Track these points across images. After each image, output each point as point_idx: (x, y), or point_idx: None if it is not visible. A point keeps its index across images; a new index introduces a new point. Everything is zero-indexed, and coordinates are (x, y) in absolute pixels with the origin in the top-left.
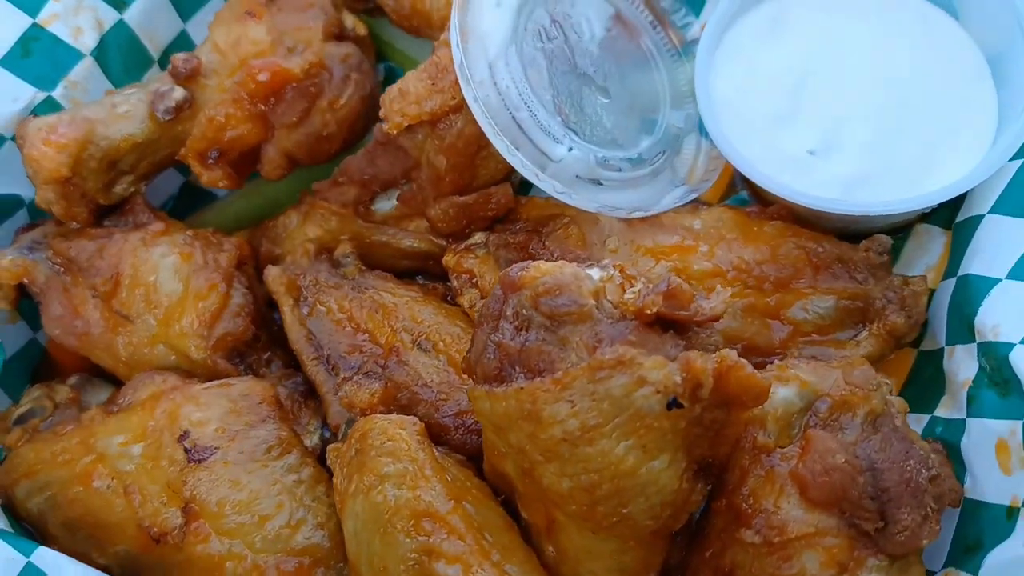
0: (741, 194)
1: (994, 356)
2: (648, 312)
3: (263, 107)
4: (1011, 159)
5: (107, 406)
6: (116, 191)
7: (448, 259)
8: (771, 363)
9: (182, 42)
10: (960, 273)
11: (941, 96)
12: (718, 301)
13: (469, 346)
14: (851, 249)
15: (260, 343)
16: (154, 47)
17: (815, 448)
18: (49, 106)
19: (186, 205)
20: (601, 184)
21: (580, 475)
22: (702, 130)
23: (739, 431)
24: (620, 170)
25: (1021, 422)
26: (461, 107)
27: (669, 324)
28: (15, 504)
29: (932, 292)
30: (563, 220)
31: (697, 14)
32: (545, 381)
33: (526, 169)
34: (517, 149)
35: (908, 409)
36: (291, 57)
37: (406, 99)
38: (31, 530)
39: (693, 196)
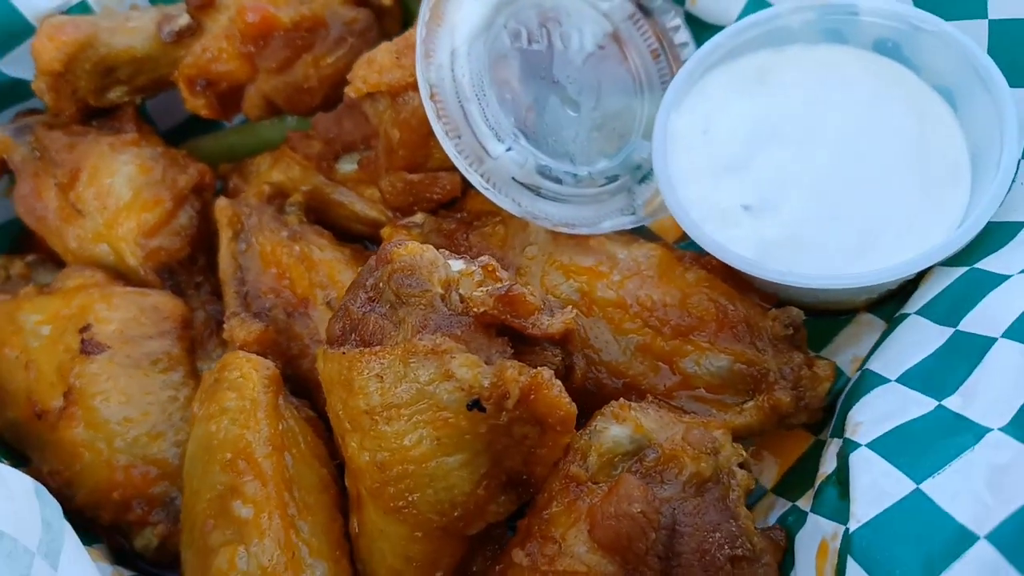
0: None
1: (844, 454)
2: (476, 310)
3: (252, 48)
4: (956, 265)
5: (42, 287)
6: (109, 96)
7: (385, 231)
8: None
9: None
10: (865, 367)
11: (903, 182)
12: (559, 320)
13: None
14: (761, 315)
15: (196, 266)
16: None
17: (619, 491)
18: (82, 9)
19: (195, 130)
20: (539, 193)
21: (376, 451)
22: None
23: (556, 455)
24: (560, 182)
25: (844, 527)
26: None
27: (508, 331)
28: None
29: (850, 382)
30: (494, 219)
31: None
32: (364, 352)
33: (458, 159)
34: (459, 138)
35: (752, 486)
36: (290, 7)
37: (371, 67)
38: None
39: (631, 225)
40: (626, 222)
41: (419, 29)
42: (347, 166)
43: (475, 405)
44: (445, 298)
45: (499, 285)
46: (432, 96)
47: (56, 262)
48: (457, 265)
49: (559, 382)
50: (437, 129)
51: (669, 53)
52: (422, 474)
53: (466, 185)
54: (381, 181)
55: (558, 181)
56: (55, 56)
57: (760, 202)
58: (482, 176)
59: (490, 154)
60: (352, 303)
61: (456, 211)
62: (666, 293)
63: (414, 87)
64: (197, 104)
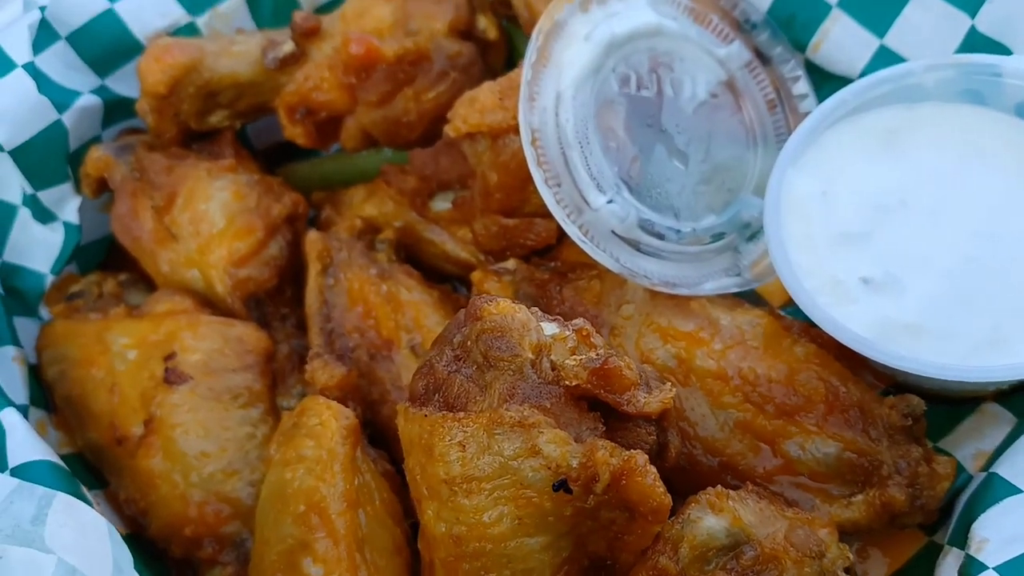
0: None
1: (968, 574)
2: (570, 383)
3: (353, 80)
4: None
5: (133, 308)
6: (210, 120)
7: (476, 275)
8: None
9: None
10: (992, 469)
11: None
12: (657, 399)
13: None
14: (877, 401)
15: (283, 297)
16: (308, 2)
17: None
18: (190, 30)
19: (291, 154)
20: (639, 248)
21: (453, 524)
22: None
23: (644, 543)
24: (663, 238)
25: None
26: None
27: (600, 405)
28: (42, 365)
29: (973, 482)
30: (590, 272)
31: None
32: (447, 417)
33: (556, 208)
34: (558, 186)
35: None
36: (395, 40)
37: (473, 107)
38: (48, 393)
39: (736, 288)
40: (731, 284)
41: (524, 70)
42: (441, 204)
43: (561, 486)
44: (536, 364)
45: (594, 355)
46: (533, 141)
47: (147, 283)
48: (550, 329)
49: (653, 469)
50: (536, 176)
51: (787, 105)
52: (500, 554)
53: (562, 233)
54: (475, 223)
55: (660, 237)
56: (161, 79)
57: (882, 277)
58: (580, 228)
59: (590, 205)
60: (438, 360)
61: (550, 260)
62: (771, 367)
63: (516, 130)
64: (295, 132)
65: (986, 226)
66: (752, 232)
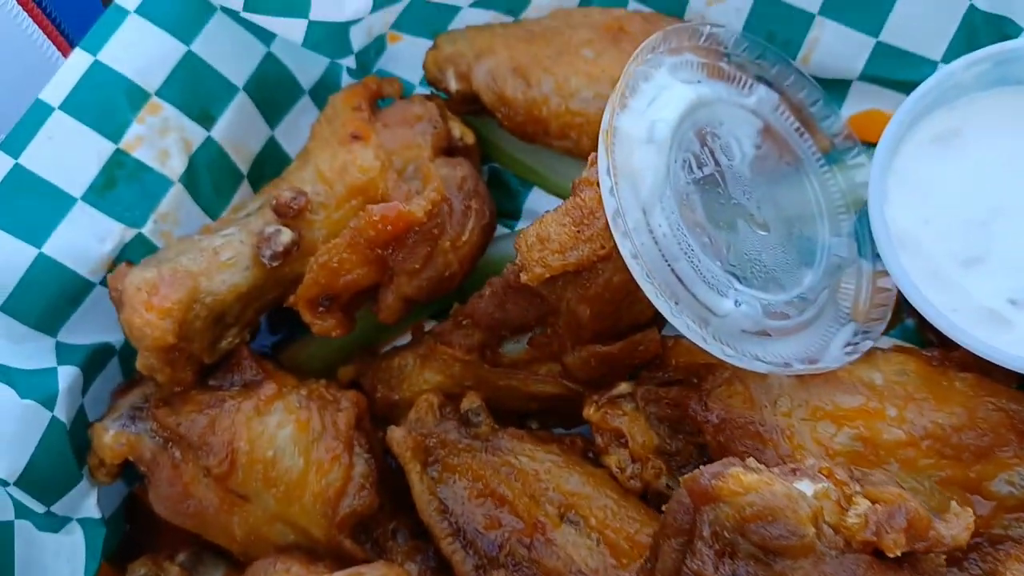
0: (907, 322)
1: None
2: (891, 554)
3: (380, 251)
4: None
5: None
6: (221, 347)
7: (591, 414)
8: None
9: (272, 151)
10: None
11: None
12: (960, 527)
13: (647, 556)
14: None
15: (384, 512)
16: (243, 161)
17: None
18: (140, 244)
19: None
20: (769, 335)
21: None
22: (862, 255)
23: None
24: (788, 317)
25: None
26: (611, 255)
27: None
28: None
29: None
30: (723, 374)
31: (839, 105)
32: None
33: (692, 332)
34: (676, 303)
35: None
36: (402, 184)
37: (547, 247)
38: None
39: (868, 343)
40: (849, 334)
41: (607, 199)
42: (513, 347)
43: None
44: (820, 535)
45: (877, 505)
46: (636, 258)
47: (212, 549)
48: (806, 487)
49: None
50: (664, 307)
51: (812, 126)
52: None
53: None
54: (567, 358)
55: (785, 316)
56: (164, 328)
57: None
58: (712, 337)
59: (716, 312)
60: (701, 566)
61: (658, 370)
62: (950, 414)
63: (603, 259)
64: (327, 326)
65: None
66: (841, 273)
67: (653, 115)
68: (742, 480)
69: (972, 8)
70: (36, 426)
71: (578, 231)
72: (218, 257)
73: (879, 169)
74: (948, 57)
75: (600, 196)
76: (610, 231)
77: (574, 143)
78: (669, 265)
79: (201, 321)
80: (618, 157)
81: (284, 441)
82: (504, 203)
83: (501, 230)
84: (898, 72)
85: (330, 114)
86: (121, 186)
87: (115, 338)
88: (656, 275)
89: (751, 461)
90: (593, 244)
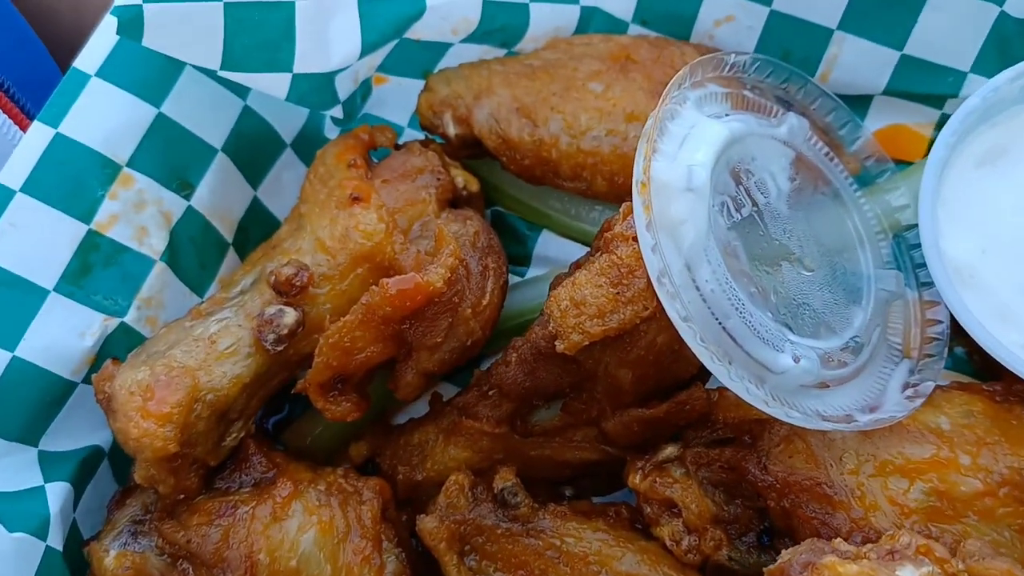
0: (956, 351)
1: None
2: None
3: (397, 326)
4: None
5: None
6: (226, 444)
7: (637, 482)
8: None
9: (256, 212)
10: None
11: None
12: None
13: None
14: None
15: None
16: (227, 228)
17: None
18: (123, 334)
19: None
20: (827, 386)
21: None
22: (907, 284)
23: None
24: (845, 364)
25: None
26: (654, 316)
27: None
28: None
29: None
30: (780, 431)
31: (862, 117)
32: None
33: (752, 396)
34: (729, 363)
35: None
36: (410, 245)
37: (584, 311)
38: None
39: (930, 385)
40: (920, 383)
41: (649, 258)
42: (545, 413)
43: None
44: None
45: None
46: (686, 320)
47: None
48: (909, 574)
49: None
50: (720, 372)
51: (839, 148)
52: None
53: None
54: (606, 423)
55: (843, 365)
56: (166, 436)
57: None
58: (772, 398)
59: (771, 369)
60: None
61: (704, 428)
62: None
63: (645, 320)
64: (341, 411)
65: None
66: (890, 307)
67: (687, 159)
68: (840, 572)
69: (1003, 15)
70: (30, 561)
71: (617, 293)
72: (216, 347)
73: (928, 200)
74: (978, 67)
75: (638, 252)
76: (653, 291)
77: (587, 184)
78: (720, 324)
79: (204, 422)
80: (656, 209)
81: (308, 547)
82: (512, 248)
83: (512, 278)
84: (924, 85)
85: (323, 173)
86: (97, 271)
87: (103, 439)
88: (708, 337)
89: (840, 543)
90: (635, 306)
